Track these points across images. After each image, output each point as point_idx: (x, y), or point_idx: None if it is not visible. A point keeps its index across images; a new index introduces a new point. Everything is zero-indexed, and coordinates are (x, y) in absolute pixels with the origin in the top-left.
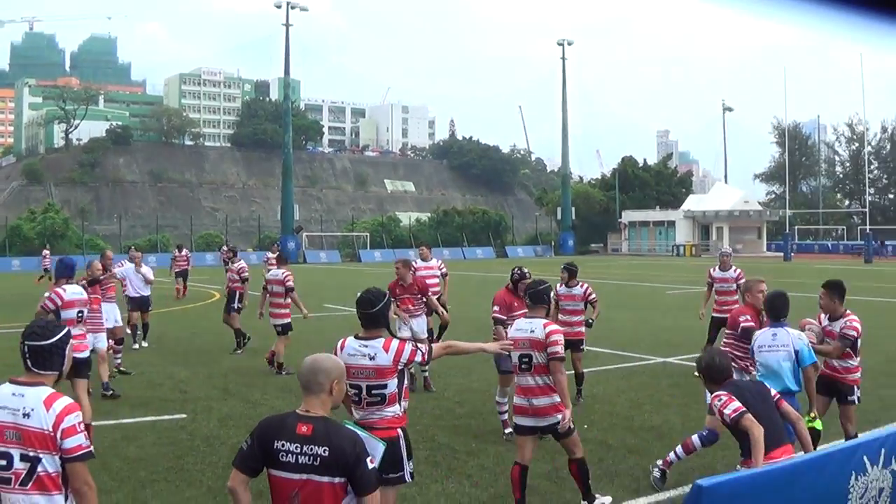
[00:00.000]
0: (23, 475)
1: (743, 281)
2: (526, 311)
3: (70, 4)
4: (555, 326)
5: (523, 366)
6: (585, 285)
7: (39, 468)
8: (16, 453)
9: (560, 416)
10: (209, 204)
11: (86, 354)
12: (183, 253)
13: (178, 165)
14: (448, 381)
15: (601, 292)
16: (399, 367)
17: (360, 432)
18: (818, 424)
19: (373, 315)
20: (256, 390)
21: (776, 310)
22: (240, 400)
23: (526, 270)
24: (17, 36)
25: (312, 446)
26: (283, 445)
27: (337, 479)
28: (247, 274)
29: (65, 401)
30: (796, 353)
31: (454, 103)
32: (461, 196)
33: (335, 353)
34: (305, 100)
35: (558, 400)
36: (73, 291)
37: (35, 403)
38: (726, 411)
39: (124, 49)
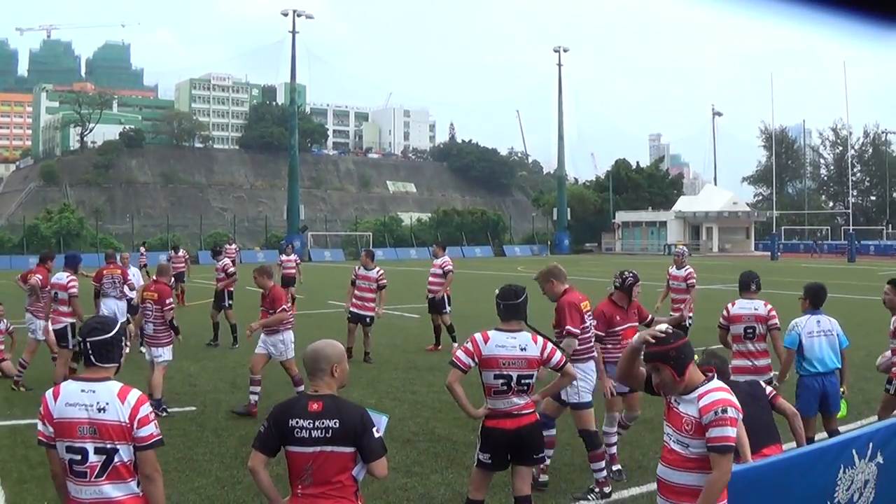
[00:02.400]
0: (98, 467)
1: (693, 280)
2: (629, 324)
3: (86, 13)
4: (771, 305)
5: (748, 335)
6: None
7: (116, 458)
8: (90, 447)
9: (771, 374)
10: (218, 204)
11: (59, 326)
12: (180, 254)
13: (188, 167)
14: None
15: (596, 290)
16: (544, 360)
17: (365, 407)
18: (843, 409)
19: (516, 306)
20: (264, 384)
21: (818, 299)
22: (247, 393)
23: (635, 272)
24: (35, 43)
25: (324, 420)
26: (297, 423)
27: (347, 449)
28: (232, 269)
29: (136, 392)
30: (837, 335)
31: (454, 108)
32: (461, 197)
33: (477, 345)
34: (311, 104)
35: (769, 363)
36: (56, 277)
37: (109, 397)
38: None
39: (137, 55)
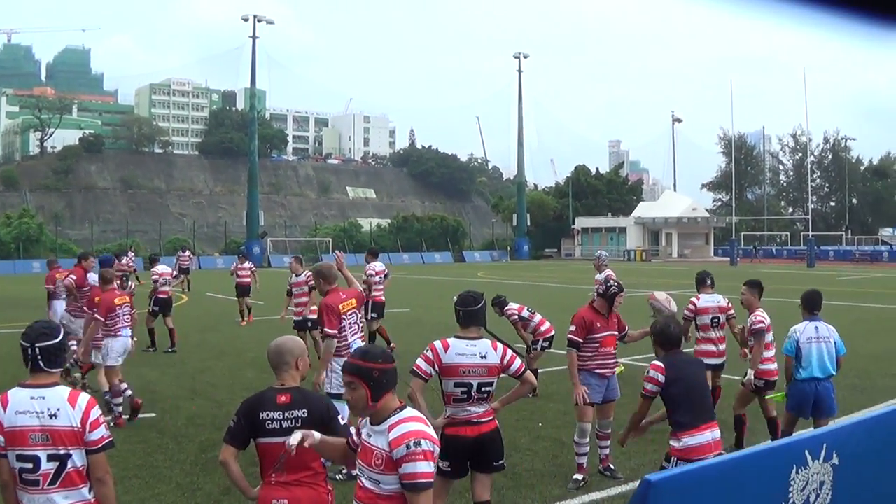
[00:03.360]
0: (51, 475)
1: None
2: (608, 332)
3: (46, 17)
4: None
5: (713, 324)
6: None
7: (69, 464)
8: (43, 455)
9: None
10: (178, 210)
11: None
12: (124, 262)
13: (147, 172)
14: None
15: (555, 296)
16: (503, 367)
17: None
18: None
19: (474, 312)
20: (223, 390)
21: (812, 304)
22: (207, 400)
23: (620, 282)
24: None
25: (294, 411)
26: (268, 415)
27: None
28: (161, 279)
29: (85, 396)
30: (835, 343)
31: (414, 114)
32: (420, 203)
33: (437, 353)
34: (270, 109)
35: (725, 347)
36: (91, 279)
37: (60, 403)
38: (646, 385)
39: (97, 60)
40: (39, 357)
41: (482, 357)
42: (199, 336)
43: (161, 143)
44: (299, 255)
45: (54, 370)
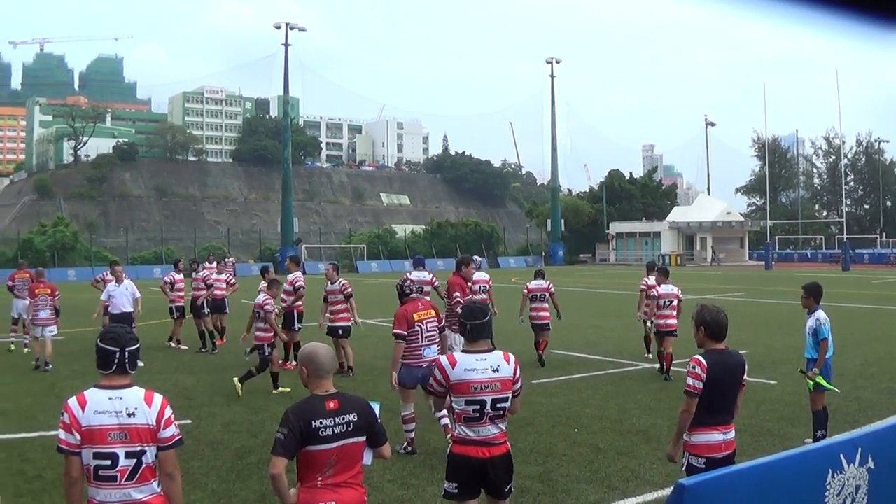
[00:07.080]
0: (128, 471)
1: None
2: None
3: (79, 27)
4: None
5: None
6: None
7: (144, 461)
8: (121, 452)
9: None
10: (212, 217)
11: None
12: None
13: (182, 180)
14: None
15: (590, 300)
16: (516, 380)
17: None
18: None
19: (485, 325)
20: (259, 396)
21: (821, 295)
22: (242, 406)
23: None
24: (28, 57)
25: (344, 416)
26: (320, 423)
27: (362, 438)
28: (212, 281)
29: (159, 396)
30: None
31: (447, 120)
32: (454, 209)
33: (444, 370)
34: (304, 116)
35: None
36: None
37: (137, 403)
38: (688, 380)
39: (130, 69)
40: (127, 361)
41: (494, 370)
42: (235, 343)
43: (195, 150)
44: (335, 262)
45: (133, 372)
